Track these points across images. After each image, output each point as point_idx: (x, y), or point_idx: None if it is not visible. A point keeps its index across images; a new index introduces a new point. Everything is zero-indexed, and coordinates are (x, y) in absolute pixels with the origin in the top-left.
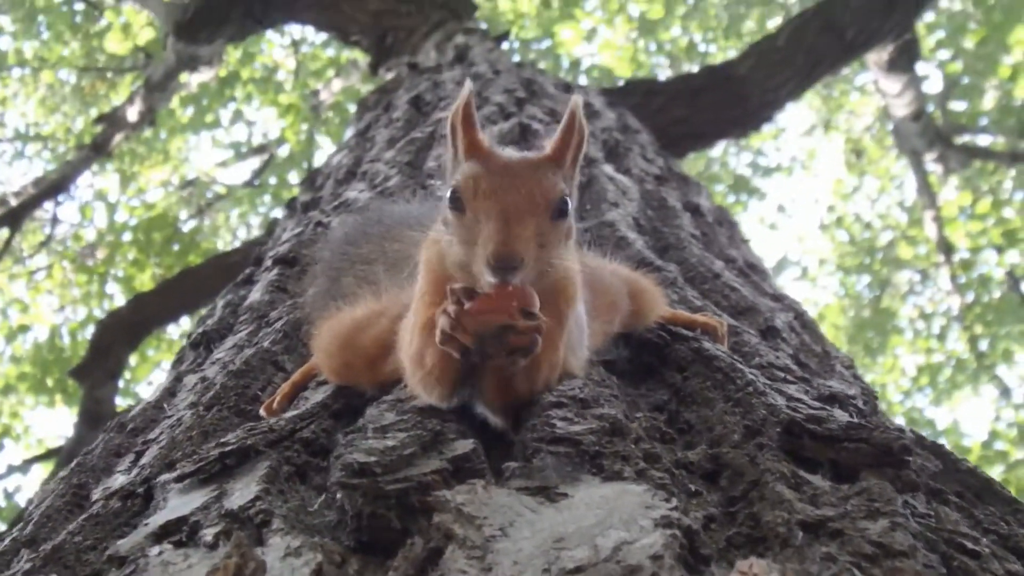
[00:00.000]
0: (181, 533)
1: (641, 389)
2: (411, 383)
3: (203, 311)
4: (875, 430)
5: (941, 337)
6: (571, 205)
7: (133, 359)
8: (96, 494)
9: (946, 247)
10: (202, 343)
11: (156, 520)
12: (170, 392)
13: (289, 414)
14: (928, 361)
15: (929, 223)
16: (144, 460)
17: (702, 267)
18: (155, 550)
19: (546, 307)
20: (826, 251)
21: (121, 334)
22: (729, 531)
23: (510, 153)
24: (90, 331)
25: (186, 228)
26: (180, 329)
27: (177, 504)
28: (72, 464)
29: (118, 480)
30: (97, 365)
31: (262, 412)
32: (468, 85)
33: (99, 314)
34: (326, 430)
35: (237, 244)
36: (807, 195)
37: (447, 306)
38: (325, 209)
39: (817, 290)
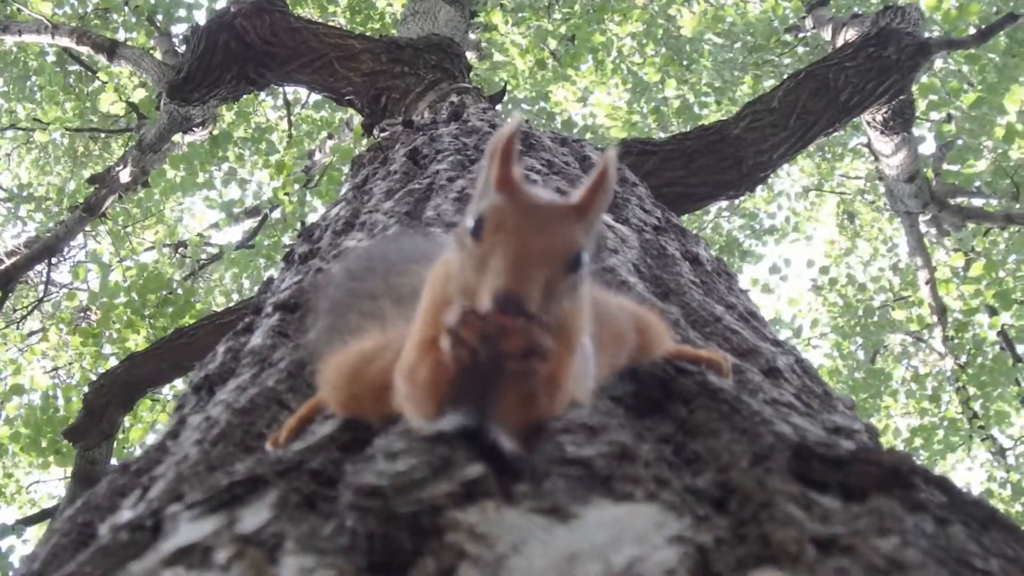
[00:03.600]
0: (194, 557)
1: (647, 423)
2: (399, 398)
3: (201, 363)
4: (883, 453)
5: (934, 399)
6: (585, 260)
7: (127, 420)
8: (103, 529)
9: (940, 309)
10: (204, 386)
11: (167, 546)
12: (173, 434)
13: (297, 446)
14: (922, 423)
15: (923, 285)
16: (151, 495)
17: (703, 311)
18: (168, 573)
19: (560, 338)
20: (819, 313)
21: (115, 395)
22: (740, 551)
23: (539, 193)
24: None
25: (180, 289)
26: (175, 390)
27: (188, 531)
28: (77, 504)
29: (125, 515)
30: (91, 426)
31: (268, 446)
32: (518, 117)
33: (94, 376)
34: (334, 461)
35: (231, 305)
36: (800, 257)
37: (452, 312)
38: (325, 257)
39: (810, 351)
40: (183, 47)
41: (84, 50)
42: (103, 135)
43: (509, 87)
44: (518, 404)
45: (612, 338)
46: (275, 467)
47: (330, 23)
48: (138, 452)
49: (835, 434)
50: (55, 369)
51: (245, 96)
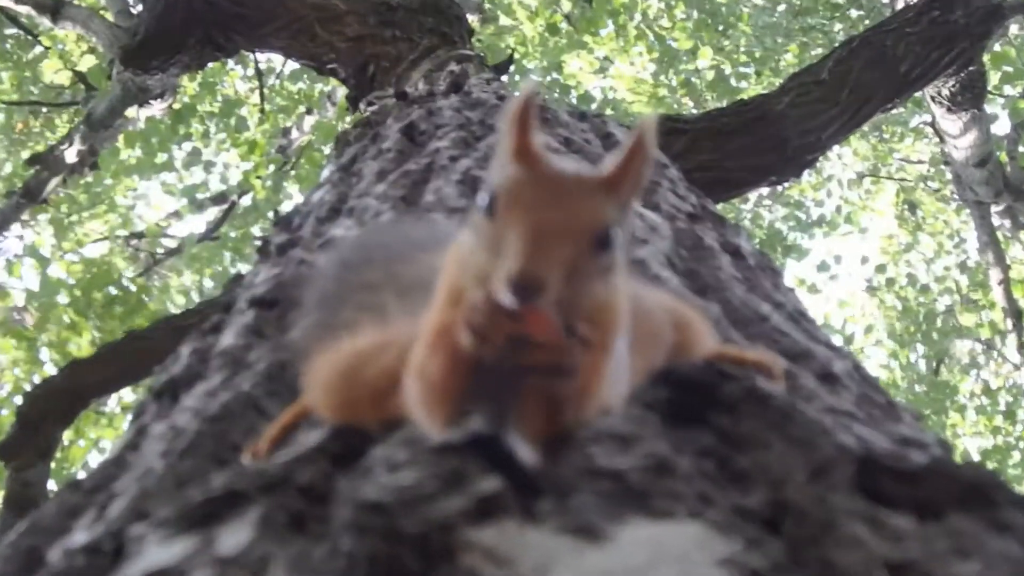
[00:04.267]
0: None
1: (685, 434)
2: (409, 404)
3: (162, 366)
4: (962, 467)
5: (1009, 415)
6: (618, 239)
7: (67, 436)
8: (54, 554)
9: (1015, 312)
10: (167, 392)
11: (133, 571)
12: (132, 446)
13: (281, 458)
14: (995, 443)
15: (995, 285)
16: (110, 514)
17: (747, 309)
18: None
19: (593, 329)
20: (875, 317)
21: (54, 407)
22: None
23: (563, 165)
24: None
25: (132, 287)
26: (123, 402)
27: (157, 553)
28: (20, 527)
29: (79, 537)
30: (25, 442)
31: (246, 458)
32: (534, 81)
33: (29, 385)
34: (325, 475)
35: (192, 306)
36: (853, 253)
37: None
38: (309, 247)
39: (864, 361)
40: (139, 7)
41: (23, 10)
42: (45, 109)
43: (516, 55)
44: (542, 410)
45: (647, 337)
46: (257, 481)
47: None
48: (85, 472)
49: (904, 446)
50: None
51: (211, 64)
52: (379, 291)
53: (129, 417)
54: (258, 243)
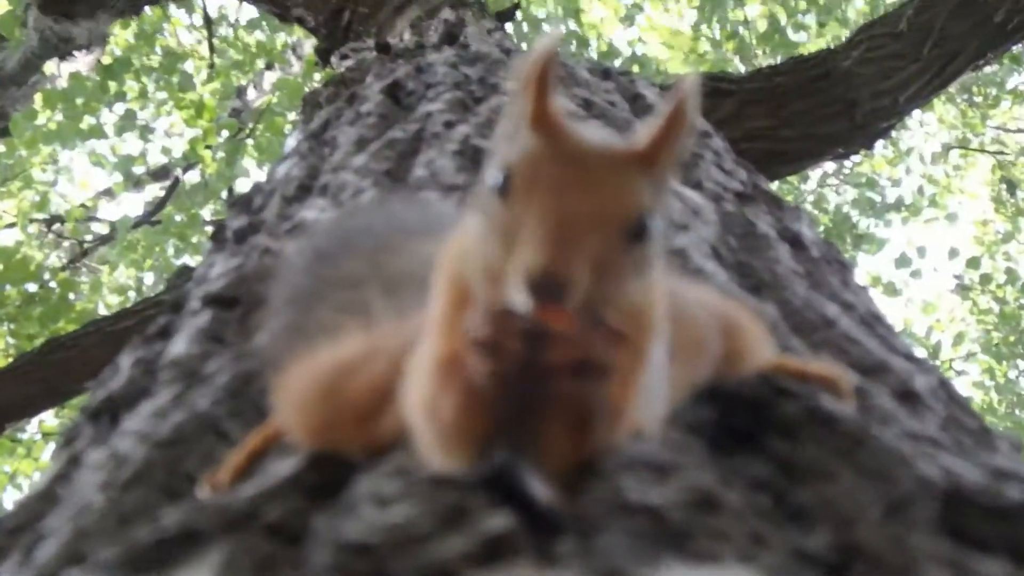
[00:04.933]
0: None
1: (735, 461)
2: (420, 443)
3: (96, 380)
4: None
5: None
6: (656, 227)
7: None
8: None
9: None
10: (105, 412)
11: None
12: (63, 478)
13: (246, 491)
14: None
15: None
16: (38, 557)
17: (810, 311)
18: None
19: (625, 341)
20: (966, 324)
21: None
22: None
23: (590, 134)
24: None
25: (54, 283)
26: (44, 426)
27: None
28: None
29: None
30: None
31: (204, 492)
32: (555, 33)
33: None
34: (299, 511)
35: (129, 305)
36: (939, 244)
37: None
38: (274, 233)
39: (953, 379)
40: None
41: None
42: None
43: (524, 1)
44: (566, 434)
45: (690, 345)
46: (218, 519)
47: None
48: (12, 508)
49: (998, 480)
50: None
51: (149, 9)
52: (361, 287)
53: (53, 445)
54: (210, 228)
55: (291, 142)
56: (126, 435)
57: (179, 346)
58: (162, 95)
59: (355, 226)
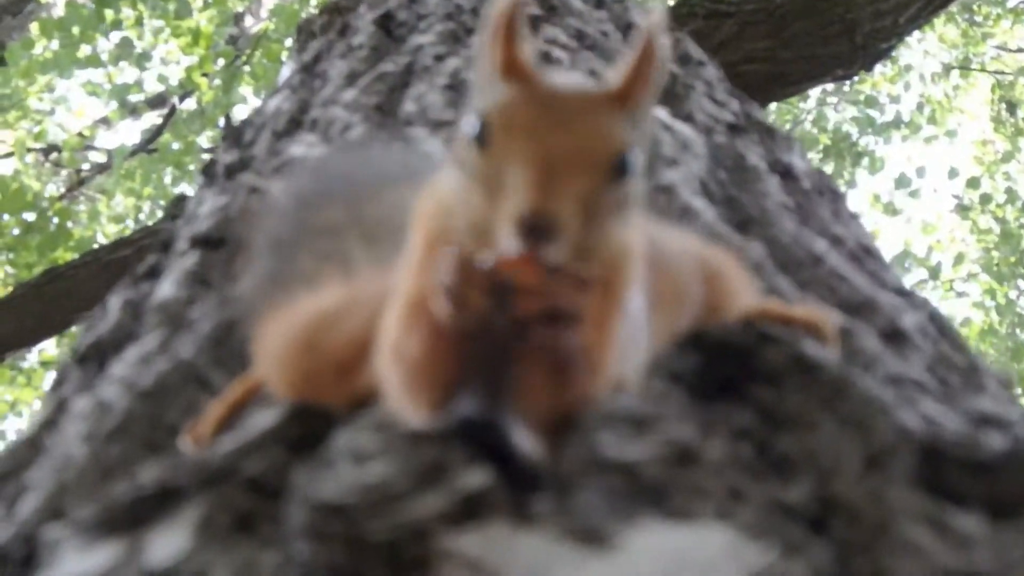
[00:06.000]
0: None
1: (717, 410)
2: (388, 388)
3: (87, 318)
4: None
5: None
6: (635, 163)
7: None
8: None
9: None
10: (92, 356)
11: None
12: (50, 424)
13: (226, 445)
14: None
15: None
16: (20, 511)
17: (798, 248)
18: None
19: (602, 288)
20: (966, 244)
21: None
22: None
23: (561, 80)
24: None
25: (51, 212)
26: (44, 355)
27: (75, 563)
28: None
29: None
30: None
31: (185, 444)
32: None
33: None
34: (278, 466)
35: (127, 233)
36: (939, 163)
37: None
38: (261, 171)
39: (952, 300)
40: None
41: None
42: None
43: None
44: (545, 385)
45: (672, 292)
46: (196, 475)
47: None
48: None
49: (982, 426)
50: None
51: None
52: (342, 235)
53: (51, 375)
54: (206, 156)
55: (284, 73)
56: (111, 382)
57: (166, 289)
58: (158, 23)
59: (336, 171)
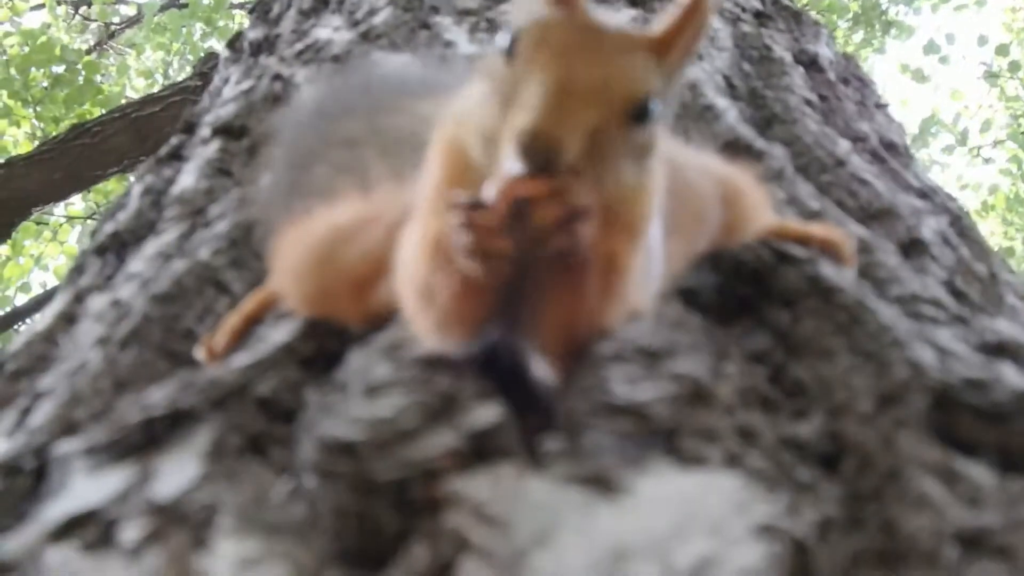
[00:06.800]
0: (90, 532)
1: (735, 331)
2: (416, 325)
3: (108, 199)
4: None
5: None
6: (657, 111)
7: (4, 250)
8: None
9: None
10: (112, 248)
11: (55, 512)
12: (67, 318)
13: (239, 361)
14: None
15: None
16: (34, 420)
17: (820, 149)
18: (55, 555)
19: (611, 219)
20: (994, 111)
21: None
22: (854, 541)
23: (606, 17)
24: None
25: (80, 66)
26: (71, 210)
27: (84, 488)
28: None
29: None
30: None
31: (201, 355)
32: None
33: None
34: (292, 384)
35: (155, 89)
36: (968, 31)
37: (455, 220)
38: (285, 56)
39: (979, 167)
40: None
41: None
42: None
43: None
44: (564, 300)
45: (691, 216)
46: (208, 395)
47: None
48: (17, 343)
49: (997, 355)
50: None
51: None
52: (359, 147)
53: (79, 228)
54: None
55: None
56: (129, 279)
57: (187, 178)
58: None
59: (355, 83)
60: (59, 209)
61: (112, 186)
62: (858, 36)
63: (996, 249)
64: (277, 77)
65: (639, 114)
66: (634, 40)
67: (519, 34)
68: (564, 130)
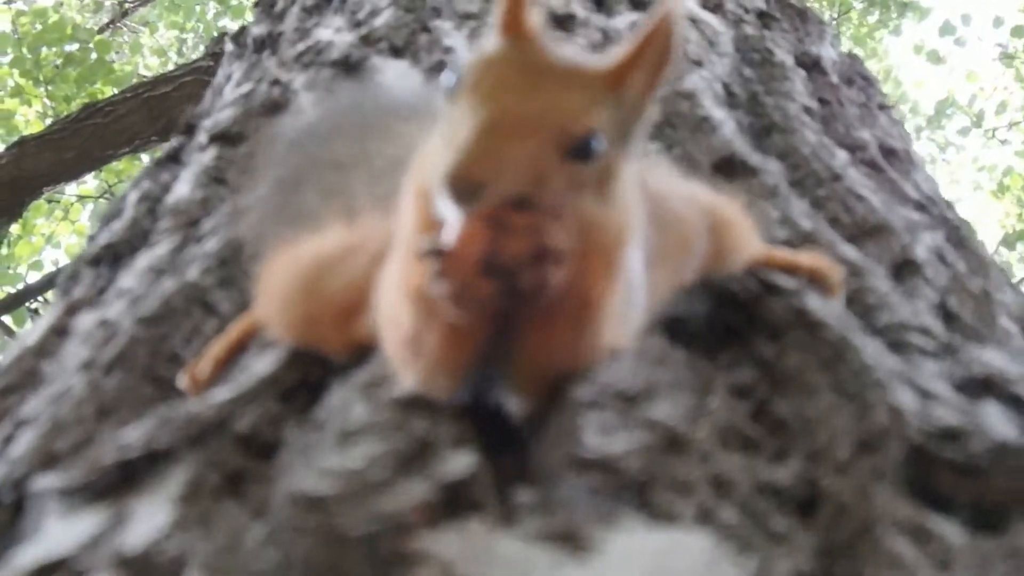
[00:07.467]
0: None
1: (720, 362)
2: (402, 372)
3: (119, 178)
4: None
5: None
6: (600, 149)
7: (15, 230)
8: None
9: None
10: (105, 259)
11: (27, 558)
12: (57, 332)
13: (220, 395)
14: None
15: None
16: (15, 450)
17: (817, 162)
18: None
19: (586, 254)
20: (1009, 92)
21: None
22: None
23: (560, 50)
24: None
25: (92, 44)
26: (83, 188)
27: (57, 533)
28: None
29: None
30: None
31: (184, 383)
32: None
33: None
34: (272, 418)
35: (169, 68)
36: (984, 12)
37: (430, 269)
38: (285, 59)
39: (995, 149)
40: None
41: None
42: None
43: None
44: (535, 344)
45: (675, 246)
46: (186, 431)
47: None
48: (5, 360)
49: (982, 393)
50: None
51: None
52: (348, 171)
53: (91, 207)
54: (235, 31)
55: None
56: (119, 296)
57: (183, 187)
58: None
59: (346, 104)
60: (71, 188)
61: (123, 166)
62: (873, 17)
63: (1010, 233)
64: (276, 82)
65: (580, 151)
66: (582, 74)
67: (463, 72)
68: (489, 167)
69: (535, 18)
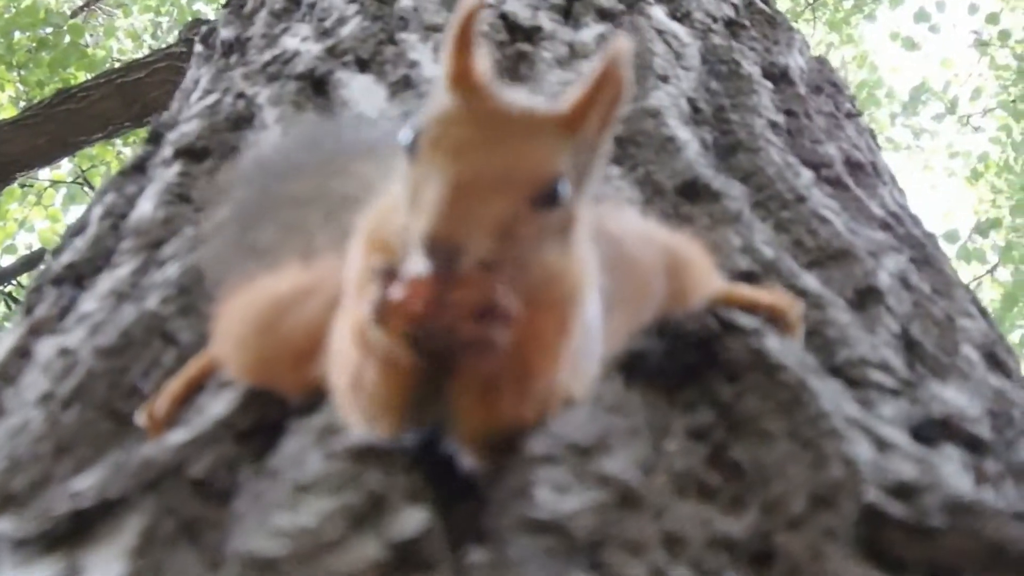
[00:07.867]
0: None
1: (678, 402)
2: (348, 413)
3: (92, 163)
4: (990, 518)
5: None
6: (566, 193)
7: None
8: None
9: None
10: (68, 279)
11: None
12: (19, 353)
13: (175, 438)
14: None
15: None
16: None
17: (781, 183)
18: None
19: (540, 307)
20: (983, 79)
21: None
22: None
23: (512, 98)
24: None
25: (65, 28)
26: (55, 173)
27: None
28: None
29: None
30: None
31: (142, 421)
32: None
33: None
34: (228, 462)
35: (143, 53)
36: None
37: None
38: (250, 71)
39: (969, 135)
40: None
41: None
42: None
43: None
44: (479, 401)
45: (633, 289)
46: (141, 477)
47: None
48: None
49: (939, 437)
50: None
51: None
52: (306, 208)
53: (64, 191)
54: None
55: None
56: (80, 322)
57: (146, 205)
58: None
59: (305, 140)
60: (44, 173)
61: (97, 151)
62: (849, 3)
63: (983, 220)
64: (241, 95)
65: (547, 198)
66: (538, 120)
67: (420, 131)
68: (465, 229)
69: (484, 67)
